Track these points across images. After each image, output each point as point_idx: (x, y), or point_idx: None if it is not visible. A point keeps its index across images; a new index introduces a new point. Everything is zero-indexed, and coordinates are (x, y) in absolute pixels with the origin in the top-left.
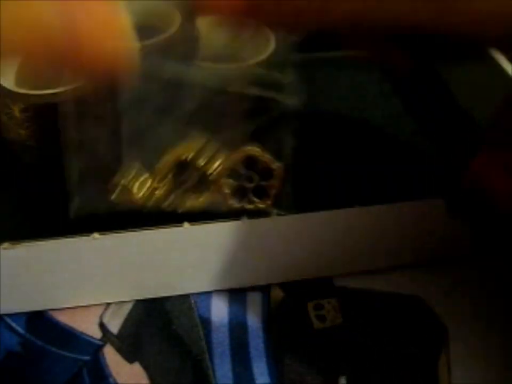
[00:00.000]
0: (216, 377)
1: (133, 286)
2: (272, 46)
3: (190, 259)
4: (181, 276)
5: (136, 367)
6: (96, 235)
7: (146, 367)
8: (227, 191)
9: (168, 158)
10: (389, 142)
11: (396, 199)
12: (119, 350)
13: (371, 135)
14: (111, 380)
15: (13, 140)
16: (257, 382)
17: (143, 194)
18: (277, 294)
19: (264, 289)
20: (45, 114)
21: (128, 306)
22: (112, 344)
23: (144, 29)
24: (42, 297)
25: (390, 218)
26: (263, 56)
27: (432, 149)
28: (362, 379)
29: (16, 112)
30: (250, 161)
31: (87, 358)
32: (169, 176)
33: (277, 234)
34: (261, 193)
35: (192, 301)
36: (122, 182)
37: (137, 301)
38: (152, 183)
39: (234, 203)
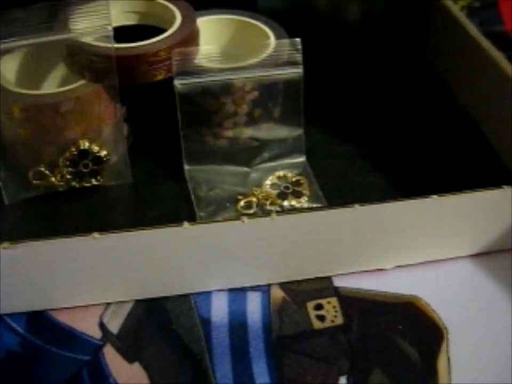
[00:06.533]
0: (216, 377)
1: (133, 286)
2: (272, 46)
3: (189, 259)
4: (181, 276)
5: (136, 367)
6: (95, 235)
7: (146, 367)
8: (274, 195)
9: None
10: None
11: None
12: (119, 350)
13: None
14: (111, 379)
15: (12, 139)
16: (257, 382)
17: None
18: (277, 293)
19: (264, 289)
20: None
21: (128, 306)
22: (112, 344)
23: (144, 29)
24: (42, 297)
25: (394, 216)
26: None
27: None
28: (362, 379)
29: (16, 112)
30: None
31: (87, 358)
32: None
33: (277, 234)
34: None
35: (192, 301)
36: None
37: (137, 301)
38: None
39: (281, 202)
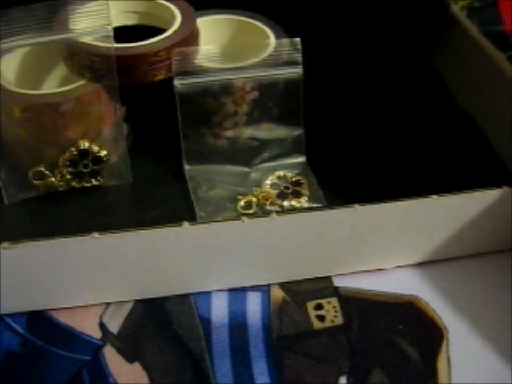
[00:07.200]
0: (216, 377)
1: (133, 285)
2: (272, 45)
3: (189, 259)
4: (181, 276)
5: (136, 367)
6: (95, 235)
7: (146, 367)
8: (274, 195)
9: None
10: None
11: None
12: (119, 350)
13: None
14: (111, 379)
15: (12, 139)
16: (257, 382)
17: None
18: (277, 294)
19: (264, 289)
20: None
21: (128, 306)
22: (112, 344)
23: (144, 29)
24: (42, 296)
25: (394, 216)
26: (263, 55)
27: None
28: (362, 379)
29: (16, 112)
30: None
31: (87, 358)
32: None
33: (276, 234)
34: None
35: (192, 301)
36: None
37: (137, 301)
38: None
39: (281, 202)
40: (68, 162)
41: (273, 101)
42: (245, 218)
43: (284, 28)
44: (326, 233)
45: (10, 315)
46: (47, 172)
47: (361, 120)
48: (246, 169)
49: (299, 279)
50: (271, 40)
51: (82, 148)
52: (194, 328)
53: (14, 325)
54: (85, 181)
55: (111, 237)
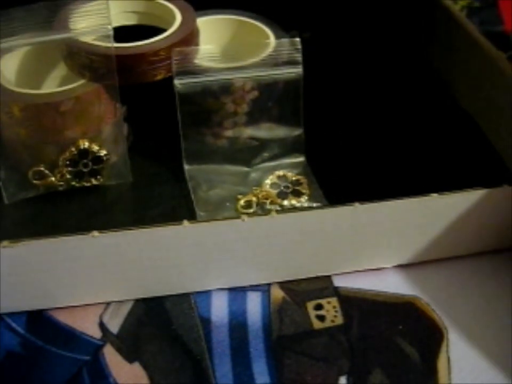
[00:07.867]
0: (216, 377)
1: (133, 284)
2: (272, 45)
3: (189, 257)
4: (181, 275)
5: (136, 367)
6: (95, 233)
7: (146, 367)
8: (274, 195)
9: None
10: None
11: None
12: (119, 350)
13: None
14: (111, 379)
15: (12, 139)
16: (257, 382)
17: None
18: (277, 294)
19: (264, 289)
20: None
21: (128, 306)
22: (112, 344)
23: (144, 29)
24: (42, 295)
25: (394, 214)
26: (263, 55)
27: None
28: (362, 379)
29: (16, 112)
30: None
31: (87, 358)
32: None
33: (276, 233)
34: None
35: (192, 301)
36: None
37: (137, 300)
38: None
39: (281, 201)
40: (67, 162)
41: (273, 100)
42: (245, 217)
43: (284, 28)
44: (326, 232)
45: (11, 315)
46: (47, 172)
47: (361, 120)
48: (246, 169)
49: (299, 278)
50: (270, 40)
51: (82, 147)
52: (194, 328)
53: (14, 325)
54: (84, 180)
55: (110, 235)
